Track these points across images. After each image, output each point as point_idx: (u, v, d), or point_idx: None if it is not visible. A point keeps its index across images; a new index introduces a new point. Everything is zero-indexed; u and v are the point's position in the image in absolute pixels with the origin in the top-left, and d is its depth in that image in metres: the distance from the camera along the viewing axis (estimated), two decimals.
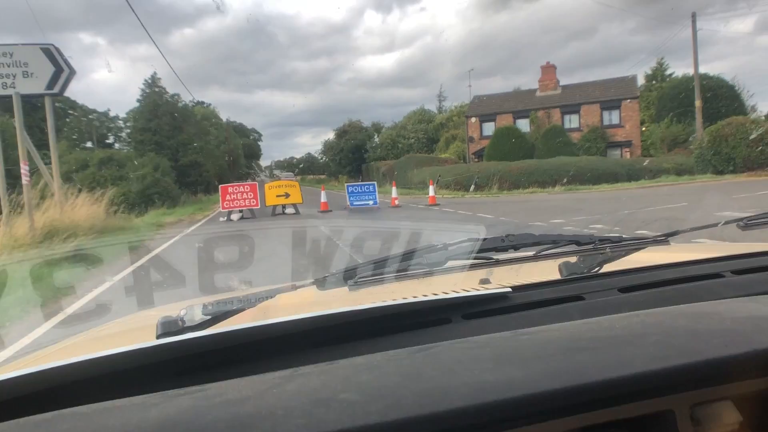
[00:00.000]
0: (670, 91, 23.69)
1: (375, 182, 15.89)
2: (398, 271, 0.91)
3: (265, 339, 0.68)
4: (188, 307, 0.78)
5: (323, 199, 13.52)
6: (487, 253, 0.99)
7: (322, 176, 47.49)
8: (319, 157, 54.26)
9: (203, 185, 28.61)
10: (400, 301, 0.75)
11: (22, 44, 9.51)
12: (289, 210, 13.23)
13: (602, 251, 0.98)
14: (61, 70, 9.39)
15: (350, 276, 0.88)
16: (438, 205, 13.59)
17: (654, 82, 28.83)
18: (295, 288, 0.94)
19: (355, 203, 14.09)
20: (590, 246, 1.00)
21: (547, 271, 0.99)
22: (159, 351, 0.63)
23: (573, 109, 24.73)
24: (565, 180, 17.50)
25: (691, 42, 19.85)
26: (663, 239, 1.06)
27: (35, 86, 9.35)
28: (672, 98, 22.87)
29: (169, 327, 0.74)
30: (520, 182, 18.24)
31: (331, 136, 44.89)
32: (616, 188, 16.26)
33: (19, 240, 7.53)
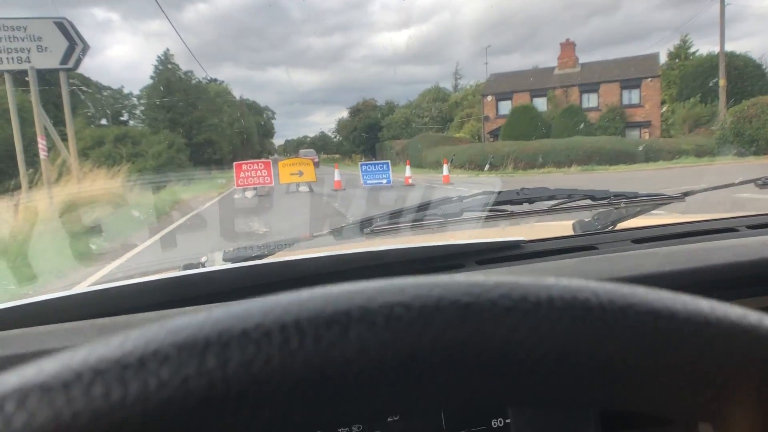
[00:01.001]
0: (694, 70, 23.07)
1: (389, 161, 15.83)
2: (414, 221, 0.93)
3: (277, 281, 0.69)
4: (210, 253, 0.81)
5: (337, 177, 13.52)
6: (502, 205, 1.00)
7: (336, 155, 47.48)
8: (333, 136, 54.22)
9: (217, 163, 28.79)
10: (415, 244, 0.75)
11: (36, 18, 9.52)
12: (303, 188, 13.26)
13: (617, 206, 0.99)
14: (74, 44, 9.40)
15: (366, 225, 0.91)
16: (452, 184, 13.52)
17: (676, 60, 28.06)
18: (312, 237, 0.98)
19: (368, 182, 14.07)
20: (605, 201, 1.01)
21: (562, 228, 1.00)
22: (176, 283, 0.67)
23: (592, 87, 24.26)
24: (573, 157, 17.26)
25: (718, 18, 19.21)
26: (679, 197, 1.06)
27: (50, 61, 9.38)
28: (695, 77, 22.29)
29: (190, 269, 0.77)
30: (535, 162, 18.06)
31: (344, 114, 44.79)
32: (634, 169, 16.03)
33: (40, 214, 7.65)
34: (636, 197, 1.03)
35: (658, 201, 1.04)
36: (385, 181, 14.07)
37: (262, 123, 52.01)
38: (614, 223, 0.97)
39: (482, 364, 0.20)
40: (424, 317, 0.20)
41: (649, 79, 23.21)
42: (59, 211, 6.61)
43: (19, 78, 9.86)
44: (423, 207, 0.95)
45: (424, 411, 0.74)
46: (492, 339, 0.20)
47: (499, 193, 0.99)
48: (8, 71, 9.29)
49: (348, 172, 18.95)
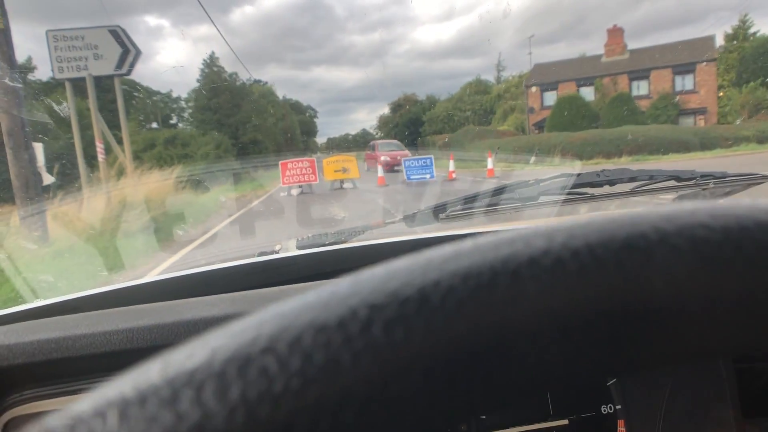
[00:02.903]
0: (754, 51, 21.75)
1: (431, 156, 15.70)
2: (489, 206, 0.89)
3: (356, 266, 0.67)
4: (283, 241, 0.82)
5: (380, 173, 13.54)
6: (582, 188, 0.96)
7: None
8: (374, 133, 54.35)
9: (262, 162, 29.42)
10: (501, 228, 0.71)
11: (92, 27, 9.97)
12: (347, 185, 13.36)
13: (704, 186, 0.93)
14: (127, 50, 9.78)
15: (441, 211, 0.89)
16: (497, 177, 13.30)
17: (735, 42, 26.49)
18: (385, 224, 0.96)
19: (411, 177, 14.01)
20: (692, 181, 0.94)
21: None
22: (258, 268, 0.68)
23: (642, 74, 23.31)
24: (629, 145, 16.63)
25: None
26: None
27: (105, 67, 9.81)
28: (755, 59, 21.01)
29: (266, 256, 0.78)
30: (583, 153, 17.53)
31: (386, 110, 44.78)
32: (689, 158, 15.28)
33: (99, 214, 8.02)
34: (725, 177, 0.96)
35: (750, 180, 0.96)
36: (428, 176, 13.97)
37: (305, 122, 52.75)
38: None
39: None
40: (732, 239, 0.17)
41: (704, 63, 22.07)
42: (120, 208, 6.96)
43: (79, 85, 10.36)
44: (498, 191, 0.91)
45: (531, 398, 0.71)
46: None
47: (579, 175, 0.95)
48: (68, 79, 9.78)
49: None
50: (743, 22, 26.95)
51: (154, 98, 35.85)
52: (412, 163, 14.55)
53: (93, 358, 0.52)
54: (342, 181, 13.46)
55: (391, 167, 15.60)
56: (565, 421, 0.72)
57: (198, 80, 29.91)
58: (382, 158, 16.20)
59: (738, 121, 17.86)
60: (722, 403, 0.63)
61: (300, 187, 13.11)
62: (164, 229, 6.25)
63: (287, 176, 13.30)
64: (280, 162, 14.09)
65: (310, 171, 13.35)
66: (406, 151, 16.71)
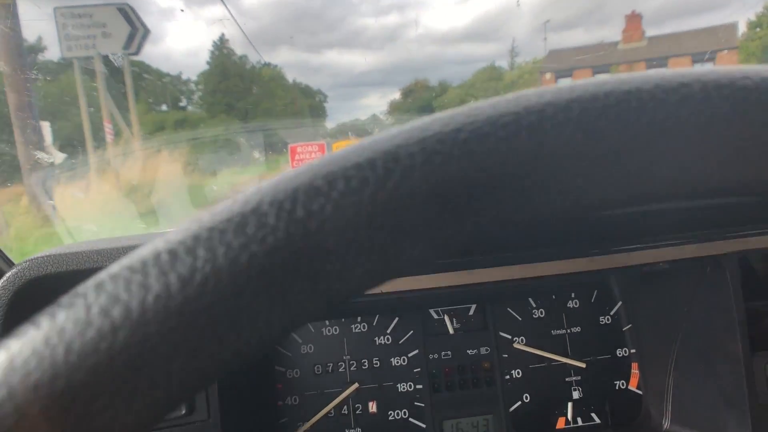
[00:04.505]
0: None
1: None
2: None
3: None
4: None
5: None
6: None
7: None
8: (385, 119, 53.97)
9: (271, 146, 29.36)
10: None
11: (100, 5, 9.83)
12: None
13: None
14: (136, 29, 9.63)
15: None
16: None
17: (758, 29, 25.77)
18: None
19: None
20: None
21: None
22: None
23: (659, 62, 22.80)
24: None
25: None
26: None
27: (113, 46, 9.66)
28: None
29: None
30: None
31: (397, 96, 44.45)
32: None
33: (107, 195, 7.95)
34: None
35: None
36: None
37: (314, 106, 52.45)
38: None
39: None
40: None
41: (726, 51, 21.51)
42: (129, 188, 6.92)
43: (89, 68, 10.24)
44: None
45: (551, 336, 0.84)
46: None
47: None
48: (76, 58, 9.67)
49: None
50: None
51: (164, 80, 35.83)
52: None
53: None
54: None
55: None
56: (583, 364, 0.83)
57: (207, 63, 29.80)
58: None
59: None
60: (732, 341, 0.67)
61: None
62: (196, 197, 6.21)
63: (297, 160, 13.19)
64: (289, 146, 13.97)
65: (320, 156, 13.25)
66: None
